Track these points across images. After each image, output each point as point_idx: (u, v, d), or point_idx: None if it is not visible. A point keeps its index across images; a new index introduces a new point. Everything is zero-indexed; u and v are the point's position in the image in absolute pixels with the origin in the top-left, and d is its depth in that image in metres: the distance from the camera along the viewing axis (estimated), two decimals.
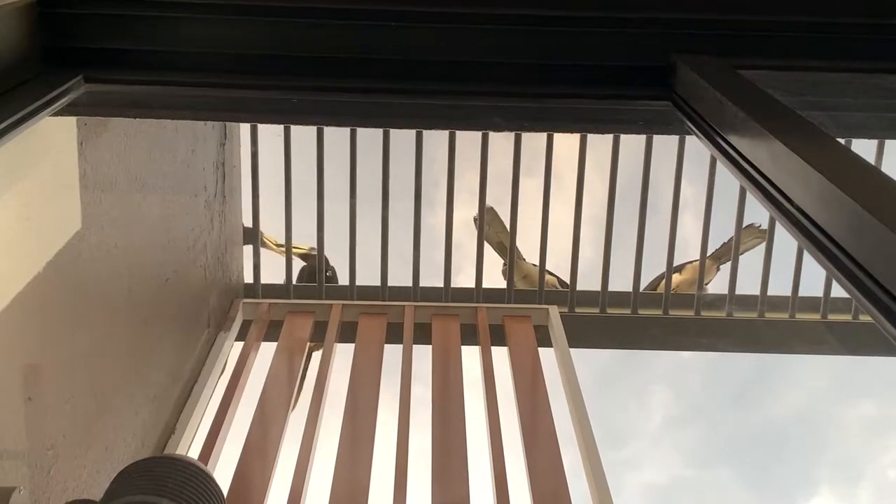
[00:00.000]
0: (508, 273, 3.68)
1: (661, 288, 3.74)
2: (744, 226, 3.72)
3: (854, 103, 1.58)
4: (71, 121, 1.93)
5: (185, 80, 1.53)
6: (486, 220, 3.67)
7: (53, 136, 1.87)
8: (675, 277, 3.78)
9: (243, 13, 1.52)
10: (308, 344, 3.32)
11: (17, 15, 1.42)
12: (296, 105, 1.62)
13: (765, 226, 3.73)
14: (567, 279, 3.75)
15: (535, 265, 3.73)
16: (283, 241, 3.72)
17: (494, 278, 3.89)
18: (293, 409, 2.98)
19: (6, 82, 1.37)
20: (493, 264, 3.87)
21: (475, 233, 3.70)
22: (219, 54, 1.54)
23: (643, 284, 3.75)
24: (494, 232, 3.74)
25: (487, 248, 3.77)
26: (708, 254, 3.73)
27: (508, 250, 3.68)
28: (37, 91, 1.39)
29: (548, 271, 3.73)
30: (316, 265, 3.72)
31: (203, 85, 1.54)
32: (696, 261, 3.74)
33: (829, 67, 1.50)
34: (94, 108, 1.67)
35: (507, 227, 3.69)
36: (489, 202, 3.68)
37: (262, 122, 3.39)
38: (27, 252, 1.79)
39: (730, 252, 3.73)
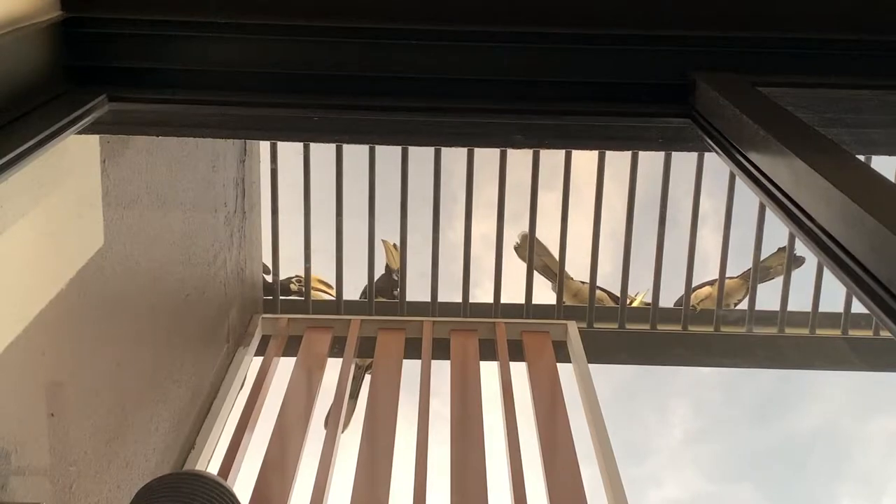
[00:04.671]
0: (558, 293, 3.69)
1: (697, 299, 3.73)
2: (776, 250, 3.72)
3: (874, 120, 1.58)
4: (94, 138, 1.95)
5: (207, 98, 1.54)
6: (529, 246, 3.68)
7: (77, 153, 1.89)
8: (706, 290, 3.76)
9: (264, 32, 1.53)
10: (355, 361, 3.33)
11: (43, 34, 1.43)
12: (317, 123, 1.63)
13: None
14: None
15: (584, 282, 3.73)
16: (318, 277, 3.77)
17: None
18: (344, 429, 2.99)
19: (32, 101, 1.38)
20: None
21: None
22: (240, 73, 1.55)
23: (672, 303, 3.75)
24: (538, 256, 3.74)
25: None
26: (738, 273, 3.73)
27: (558, 272, 3.68)
28: (61, 110, 1.40)
29: (599, 287, 3.73)
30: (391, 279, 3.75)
31: (225, 103, 1.55)
32: (735, 277, 3.73)
33: (848, 84, 1.50)
34: (118, 126, 1.68)
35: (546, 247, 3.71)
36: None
37: (283, 140, 3.41)
38: (51, 269, 1.80)
39: (764, 272, 3.71)
